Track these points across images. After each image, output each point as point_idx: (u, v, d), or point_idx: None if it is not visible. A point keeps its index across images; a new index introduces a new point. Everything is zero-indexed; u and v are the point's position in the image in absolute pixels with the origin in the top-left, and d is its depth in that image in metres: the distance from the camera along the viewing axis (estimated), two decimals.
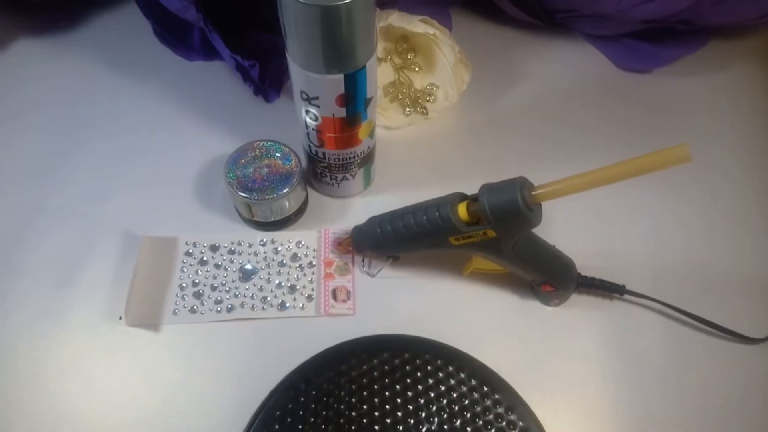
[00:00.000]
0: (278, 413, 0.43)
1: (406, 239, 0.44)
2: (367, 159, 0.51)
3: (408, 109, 0.59)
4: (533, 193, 0.38)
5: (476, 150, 0.59)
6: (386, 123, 0.59)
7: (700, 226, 0.54)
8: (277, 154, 0.50)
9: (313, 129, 0.47)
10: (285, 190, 0.48)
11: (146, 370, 0.45)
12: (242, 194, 0.48)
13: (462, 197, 0.42)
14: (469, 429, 0.43)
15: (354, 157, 0.49)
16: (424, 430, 0.42)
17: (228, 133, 0.59)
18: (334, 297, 0.49)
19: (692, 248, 0.53)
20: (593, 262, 0.49)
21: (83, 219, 0.53)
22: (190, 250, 0.51)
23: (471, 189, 0.43)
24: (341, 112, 0.44)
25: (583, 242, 0.52)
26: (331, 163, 0.50)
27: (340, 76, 0.41)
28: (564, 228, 0.52)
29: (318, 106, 0.44)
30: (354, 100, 0.44)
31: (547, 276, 0.45)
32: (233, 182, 0.48)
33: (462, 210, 0.41)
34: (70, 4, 0.69)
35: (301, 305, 0.48)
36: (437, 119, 0.61)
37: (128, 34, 0.67)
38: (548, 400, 0.44)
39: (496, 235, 0.40)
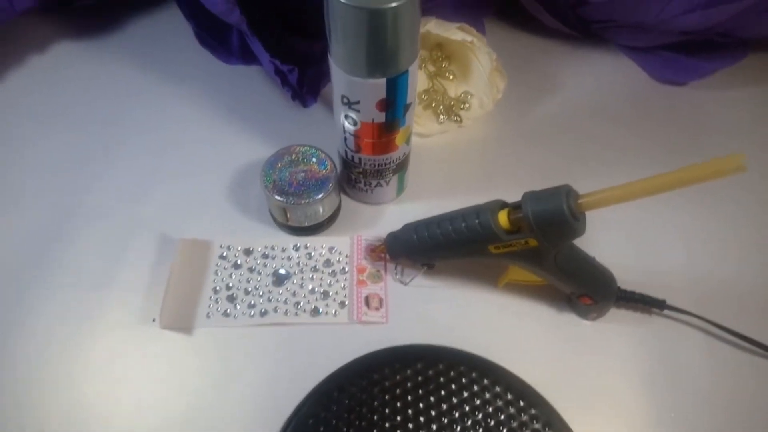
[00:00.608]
0: (311, 421, 0.42)
1: (443, 246, 0.44)
2: (402, 166, 0.51)
3: (442, 117, 0.59)
4: (579, 201, 0.37)
5: (509, 159, 0.58)
6: (420, 130, 0.58)
7: (744, 241, 0.53)
8: (314, 159, 0.50)
9: (351, 134, 0.46)
10: (320, 195, 0.48)
11: (178, 374, 0.45)
12: (278, 198, 0.48)
13: (503, 204, 0.42)
14: None
15: (389, 163, 0.49)
16: None
17: (264, 137, 0.59)
18: (367, 304, 0.49)
19: (736, 264, 0.51)
20: (632, 276, 0.48)
21: (120, 220, 0.53)
22: (225, 254, 0.51)
23: (504, 198, 0.43)
24: (381, 117, 0.44)
25: (623, 256, 0.51)
26: (366, 169, 0.50)
27: (383, 81, 0.41)
28: (603, 241, 0.51)
29: (358, 111, 0.44)
30: (394, 105, 0.43)
31: (587, 288, 0.44)
32: (269, 186, 0.48)
33: (503, 218, 0.40)
34: (112, 7, 0.71)
35: (333, 311, 0.48)
36: (471, 127, 0.60)
37: (168, 37, 0.68)
38: (586, 415, 0.43)
39: (538, 245, 0.39)
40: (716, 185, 0.56)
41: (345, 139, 0.48)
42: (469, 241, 0.42)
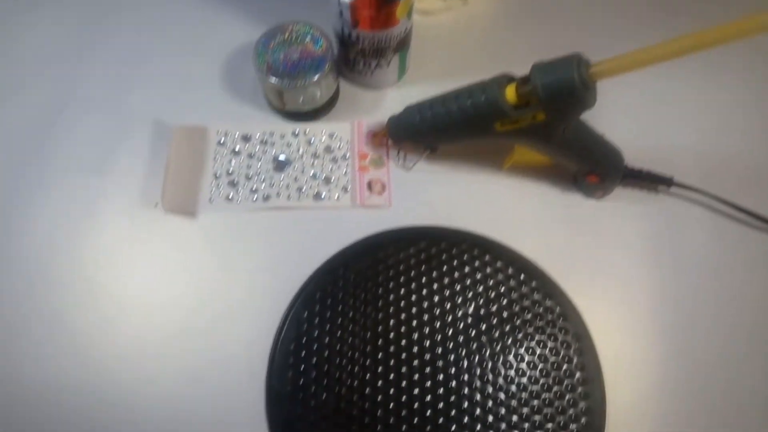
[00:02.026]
0: (318, 295, 0.44)
1: (448, 126, 0.42)
2: (403, 44, 0.48)
3: None
4: (591, 70, 0.35)
5: (517, 36, 0.55)
6: (422, 6, 0.54)
7: (755, 118, 0.51)
8: (308, 38, 0.47)
9: (347, 6, 0.43)
10: (317, 76, 0.46)
11: (185, 256, 0.46)
12: (273, 80, 0.46)
13: (510, 79, 0.40)
14: (505, 314, 0.43)
15: (390, 40, 0.46)
16: (460, 314, 0.43)
17: (256, 15, 0.56)
18: (370, 189, 0.48)
19: (745, 141, 0.50)
20: (640, 154, 0.47)
21: (114, 109, 0.51)
22: (222, 140, 0.49)
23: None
24: None
25: (631, 134, 0.49)
26: (365, 47, 0.47)
27: None
28: (612, 119, 0.49)
29: None
30: None
31: (595, 165, 0.43)
32: (263, 68, 0.46)
33: (510, 92, 0.39)
34: None
35: (336, 196, 0.48)
36: (476, 4, 0.56)
37: None
38: (587, 289, 0.44)
39: (546, 119, 0.38)
40: (731, 59, 0.54)
41: (341, 12, 0.44)
42: (475, 118, 0.40)
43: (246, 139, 0.50)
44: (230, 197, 0.47)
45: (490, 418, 0.40)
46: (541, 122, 0.38)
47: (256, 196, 0.47)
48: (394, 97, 0.52)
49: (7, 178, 0.48)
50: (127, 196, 0.48)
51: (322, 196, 0.48)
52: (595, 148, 0.42)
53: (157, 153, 0.49)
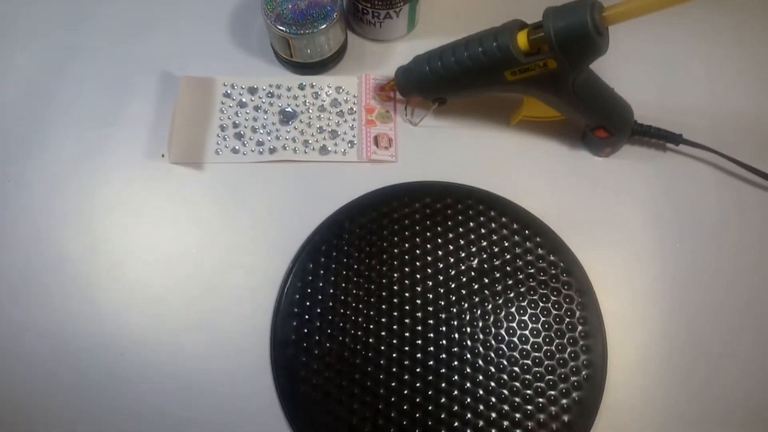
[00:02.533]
0: (323, 247, 0.44)
1: (458, 76, 0.42)
2: None
3: None
4: (604, 14, 0.34)
5: None
6: None
7: (765, 77, 0.50)
8: None
9: None
10: (324, 25, 0.45)
11: (191, 206, 0.46)
12: (280, 28, 0.45)
13: (521, 25, 0.39)
14: (509, 268, 0.43)
15: None
16: (464, 267, 0.43)
17: None
18: (376, 144, 0.48)
19: (758, 101, 0.49)
20: (650, 111, 0.47)
21: (119, 58, 0.51)
22: (229, 92, 0.49)
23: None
24: None
25: (641, 90, 0.48)
26: None
27: None
28: (622, 74, 0.48)
29: None
30: None
31: (604, 119, 0.42)
32: (271, 15, 0.45)
33: (522, 38, 0.38)
34: None
35: (342, 150, 0.47)
36: None
37: None
38: (592, 246, 0.44)
39: (557, 67, 0.37)
40: (744, 16, 0.52)
41: None
42: (485, 67, 0.40)
43: (252, 91, 0.49)
44: (236, 149, 0.47)
45: (492, 369, 0.41)
46: (552, 70, 0.37)
47: (262, 148, 0.47)
48: (403, 50, 0.52)
49: (14, 128, 0.48)
50: (133, 146, 0.48)
51: (329, 150, 0.47)
52: (605, 100, 0.42)
53: (164, 104, 0.49)
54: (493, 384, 0.40)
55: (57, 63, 0.51)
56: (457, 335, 0.42)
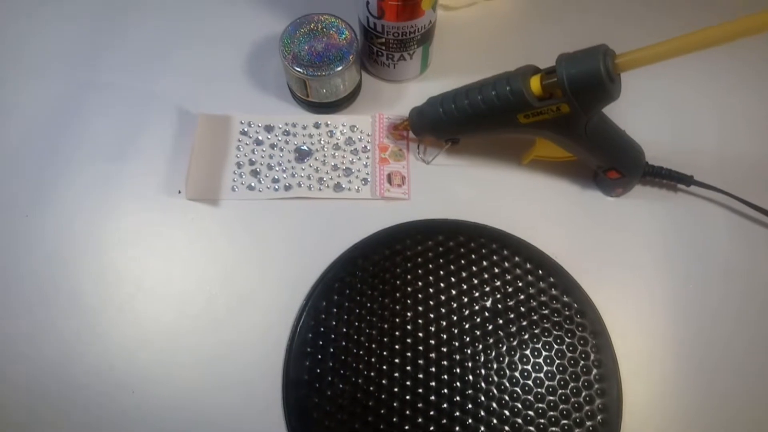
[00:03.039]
0: (336, 285, 0.44)
1: (471, 118, 0.42)
2: (427, 36, 0.48)
3: None
4: (617, 61, 0.35)
5: (540, 30, 0.55)
6: (446, 2, 0.55)
7: None
8: (333, 29, 0.48)
9: None
10: (340, 67, 0.46)
11: (206, 242, 0.46)
12: (297, 69, 0.46)
13: (534, 70, 0.40)
14: (522, 309, 0.43)
15: (414, 32, 0.47)
16: (477, 307, 0.43)
17: (282, 6, 0.56)
18: (389, 181, 0.49)
19: (766, 142, 0.50)
20: (661, 152, 0.47)
21: (137, 95, 0.52)
22: (245, 129, 0.50)
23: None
24: None
25: (653, 131, 0.49)
26: (389, 39, 0.47)
27: None
28: (634, 115, 0.49)
29: None
30: None
31: (616, 161, 0.43)
32: (288, 57, 0.46)
33: (535, 83, 0.39)
34: None
35: (356, 187, 0.48)
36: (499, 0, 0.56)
37: None
38: (605, 286, 0.44)
39: (570, 111, 0.38)
40: (756, 59, 0.53)
41: (368, 3, 0.45)
42: (499, 110, 0.41)
43: (269, 129, 0.50)
44: (252, 186, 0.48)
45: (506, 413, 0.40)
46: (564, 114, 0.38)
47: (277, 185, 0.48)
48: (416, 90, 0.53)
49: (32, 164, 0.49)
50: (150, 182, 0.48)
51: (343, 187, 0.48)
52: (617, 143, 0.42)
53: (181, 141, 0.50)
54: (507, 429, 0.39)
55: (75, 97, 0.52)
56: (471, 377, 0.41)
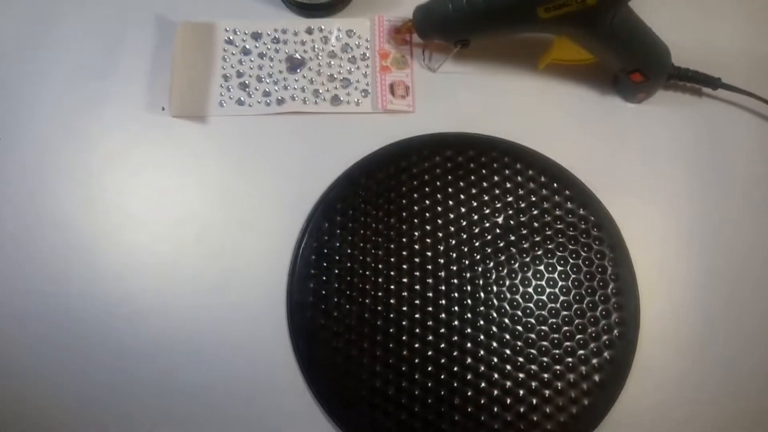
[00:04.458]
0: (339, 205, 0.41)
1: (484, 14, 0.38)
2: None
3: None
4: None
5: None
6: None
7: None
8: None
9: None
10: None
11: (196, 163, 0.43)
12: None
13: None
14: (536, 224, 0.41)
15: None
16: (488, 224, 0.41)
17: None
18: (392, 92, 0.45)
19: None
20: (687, 54, 0.43)
21: (111, 5, 0.47)
22: (231, 38, 0.45)
23: None
24: None
25: (679, 31, 0.44)
26: None
27: None
28: (660, 13, 0.43)
29: None
30: None
31: (641, 61, 0.39)
32: None
33: None
34: None
35: (356, 100, 0.44)
36: None
37: None
38: (624, 198, 0.42)
39: (596, 3, 0.34)
40: None
41: None
42: (517, 3, 0.36)
43: (256, 36, 0.45)
44: (242, 100, 0.44)
45: (520, 329, 0.39)
46: (591, 5, 0.34)
47: (269, 99, 0.44)
48: None
49: (3, 84, 0.44)
50: (131, 99, 0.44)
51: (341, 100, 0.44)
52: (643, 40, 0.39)
53: (162, 53, 0.45)
54: (520, 344, 0.39)
55: (44, 11, 0.46)
56: (482, 294, 0.40)
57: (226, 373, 0.38)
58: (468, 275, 0.40)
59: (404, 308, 0.39)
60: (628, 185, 0.43)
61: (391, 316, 0.39)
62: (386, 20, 0.46)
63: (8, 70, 0.45)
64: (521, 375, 0.38)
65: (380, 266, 0.40)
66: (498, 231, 0.41)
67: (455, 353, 0.38)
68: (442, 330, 0.39)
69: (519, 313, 0.39)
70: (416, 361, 0.38)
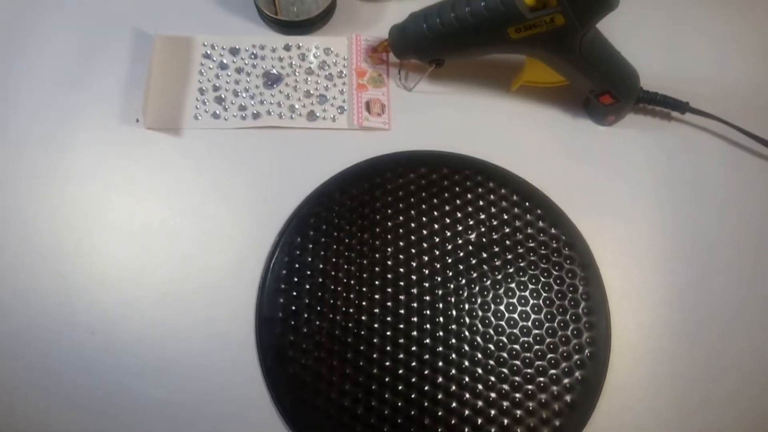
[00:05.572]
0: (312, 219, 0.41)
1: (458, 33, 0.39)
2: None
3: None
4: None
5: None
6: None
7: None
8: None
9: None
10: None
11: (169, 175, 0.42)
12: None
13: None
14: (508, 242, 0.41)
15: None
16: (461, 241, 0.41)
17: None
18: (368, 110, 0.45)
19: (762, 69, 0.47)
20: (655, 80, 0.44)
21: (89, 16, 0.47)
22: (208, 52, 0.45)
23: None
24: None
25: (648, 56, 0.46)
26: None
27: None
28: (629, 39, 0.44)
29: None
30: None
31: (611, 82, 0.40)
32: None
33: None
34: None
35: (332, 116, 0.44)
36: None
37: None
38: (595, 218, 0.42)
39: (565, 23, 0.35)
40: None
41: None
42: (488, 23, 0.37)
43: (234, 52, 0.46)
44: (217, 114, 0.44)
45: (491, 347, 0.38)
46: (559, 26, 0.35)
47: (245, 113, 0.44)
48: (396, 9, 0.48)
49: None
50: (105, 110, 0.44)
51: (317, 116, 0.44)
52: (612, 62, 0.39)
53: (138, 66, 0.45)
54: (492, 362, 0.38)
55: (18, 19, 0.46)
56: (454, 312, 0.39)
57: (191, 388, 0.37)
58: (440, 292, 0.40)
59: (375, 325, 0.39)
60: (598, 205, 0.43)
61: (362, 332, 0.38)
62: (363, 39, 0.47)
63: None
64: (492, 395, 0.37)
65: (352, 282, 0.40)
66: (470, 248, 0.41)
67: (426, 371, 0.38)
68: (414, 348, 0.38)
69: (491, 331, 0.39)
70: (386, 379, 0.37)
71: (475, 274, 0.40)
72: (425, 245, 0.41)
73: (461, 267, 0.40)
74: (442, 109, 0.45)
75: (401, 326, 0.39)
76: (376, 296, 0.39)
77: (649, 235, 0.42)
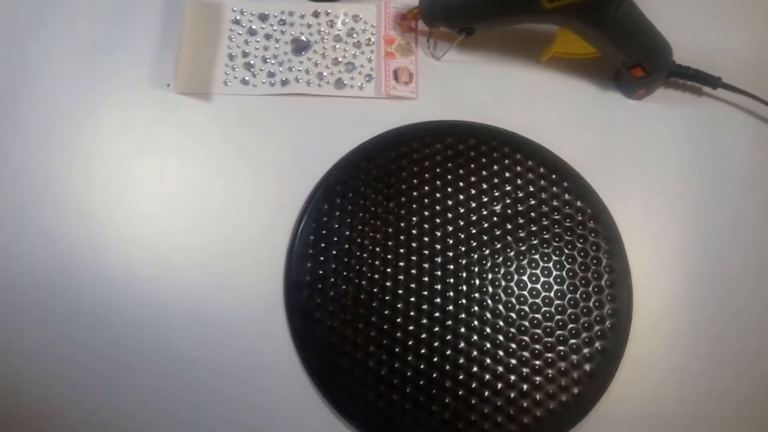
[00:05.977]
0: (339, 187, 0.42)
1: (490, 2, 0.38)
2: None
3: None
4: None
5: None
6: None
7: None
8: None
9: None
10: None
11: (199, 139, 0.43)
12: None
13: None
14: (534, 214, 0.41)
15: None
16: (486, 212, 0.41)
17: None
18: (396, 78, 0.45)
19: None
20: (688, 53, 0.43)
21: None
22: (238, 18, 0.45)
23: None
24: None
25: (681, 29, 0.44)
26: None
27: None
28: (663, 11, 0.44)
29: None
30: None
31: (644, 55, 0.39)
32: None
33: None
34: None
35: (359, 84, 0.44)
36: None
37: None
38: (621, 192, 0.42)
39: None
40: None
41: None
42: None
43: (263, 18, 0.46)
44: (246, 80, 0.44)
45: (513, 316, 0.39)
46: None
47: (273, 80, 0.44)
48: None
49: (6, 60, 0.44)
50: (136, 75, 0.44)
51: (345, 84, 0.44)
52: (646, 34, 0.39)
53: (168, 30, 0.45)
54: (513, 331, 0.39)
55: None
56: (477, 281, 0.40)
57: (221, 348, 0.38)
58: (464, 261, 0.40)
59: (399, 291, 0.40)
60: (625, 179, 0.43)
61: (386, 298, 0.39)
62: (392, 7, 0.46)
63: (10, 43, 0.45)
64: (513, 361, 0.38)
65: (377, 249, 0.40)
66: (495, 219, 0.41)
67: (448, 337, 0.39)
68: (437, 314, 0.39)
69: (513, 300, 0.40)
70: (409, 342, 0.39)
71: (499, 245, 0.41)
72: (450, 215, 0.41)
73: (485, 237, 0.41)
74: (470, 79, 0.45)
75: (425, 293, 0.40)
76: (401, 263, 0.40)
77: (675, 212, 0.42)
